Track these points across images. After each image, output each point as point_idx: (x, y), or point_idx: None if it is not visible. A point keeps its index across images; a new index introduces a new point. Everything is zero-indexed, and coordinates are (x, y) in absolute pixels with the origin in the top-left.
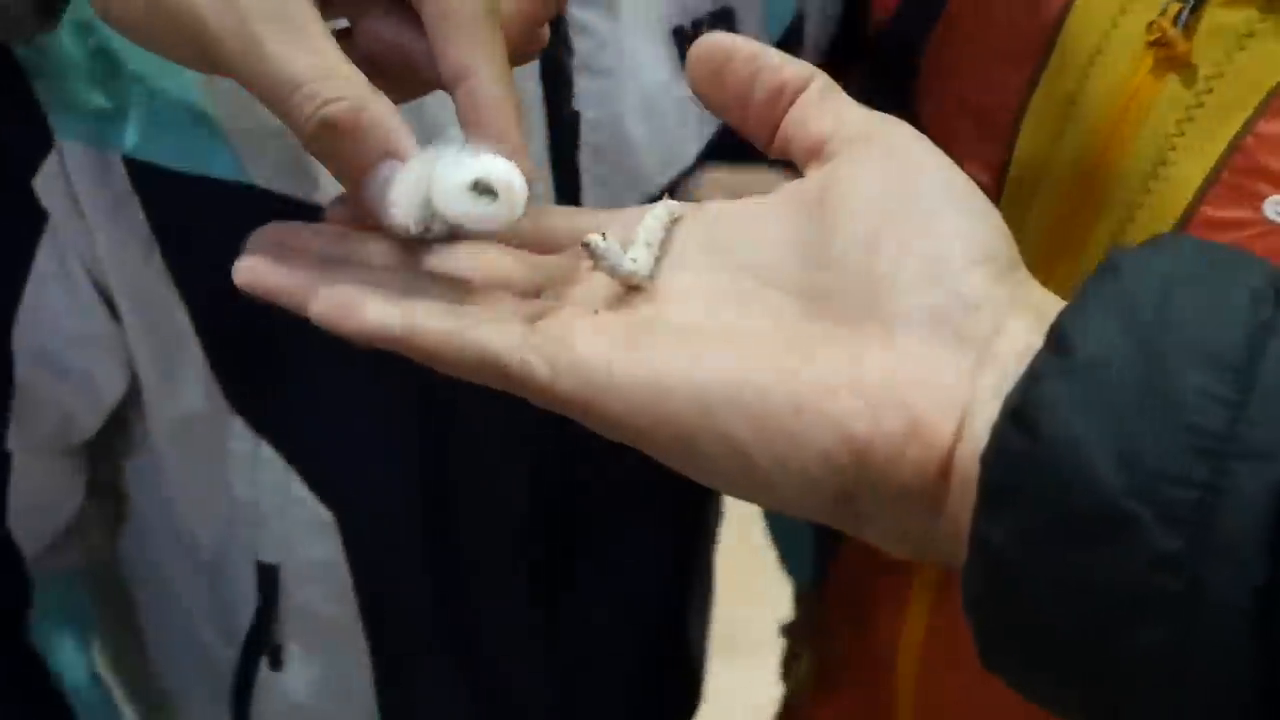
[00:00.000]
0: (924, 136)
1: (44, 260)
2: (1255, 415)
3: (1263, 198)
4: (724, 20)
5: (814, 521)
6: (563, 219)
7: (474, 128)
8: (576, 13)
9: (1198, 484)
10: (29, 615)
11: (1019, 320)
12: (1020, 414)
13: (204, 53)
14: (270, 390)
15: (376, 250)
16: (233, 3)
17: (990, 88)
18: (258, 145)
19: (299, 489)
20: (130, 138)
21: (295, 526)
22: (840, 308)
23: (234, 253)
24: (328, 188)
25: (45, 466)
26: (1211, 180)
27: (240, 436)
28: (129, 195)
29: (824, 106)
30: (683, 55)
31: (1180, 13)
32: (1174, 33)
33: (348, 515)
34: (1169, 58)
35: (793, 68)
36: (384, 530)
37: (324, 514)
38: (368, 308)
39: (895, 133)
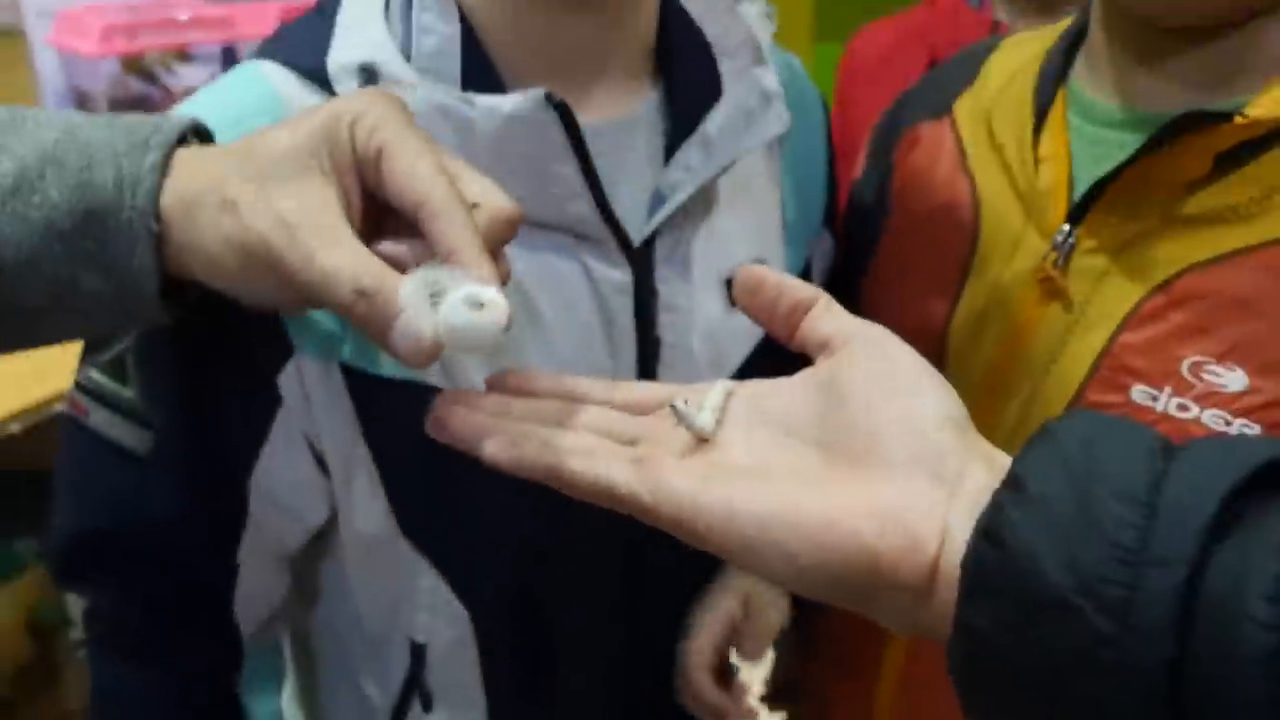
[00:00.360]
0: (895, 336)
1: (277, 431)
2: (1159, 534)
3: (1129, 387)
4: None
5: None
6: (649, 391)
7: (457, 262)
8: (662, 269)
9: (1122, 583)
10: (239, 674)
11: (977, 465)
12: (989, 532)
13: (274, 271)
14: (430, 522)
15: (523, 408)
16: (284, 221)
17: (920, 316)
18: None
19: (445, 592)
20: (347, 351)
21: (440, 618)
22: (850, 455)
23: (412, 428)
24: (463, 382)
25: (263, 571)
26: (1090, 375)
27: (406, 553)
28: (342, 391)
29: (828, 317)
30: (730, 300)
31: (1056, 259)
32: (1054, 272)
33: (479, 611)
34: (1051, 290)
35: (806, 290)
36: (504, 622)
37: (461, 611)
38: (526, 449)
39: (878, 334)
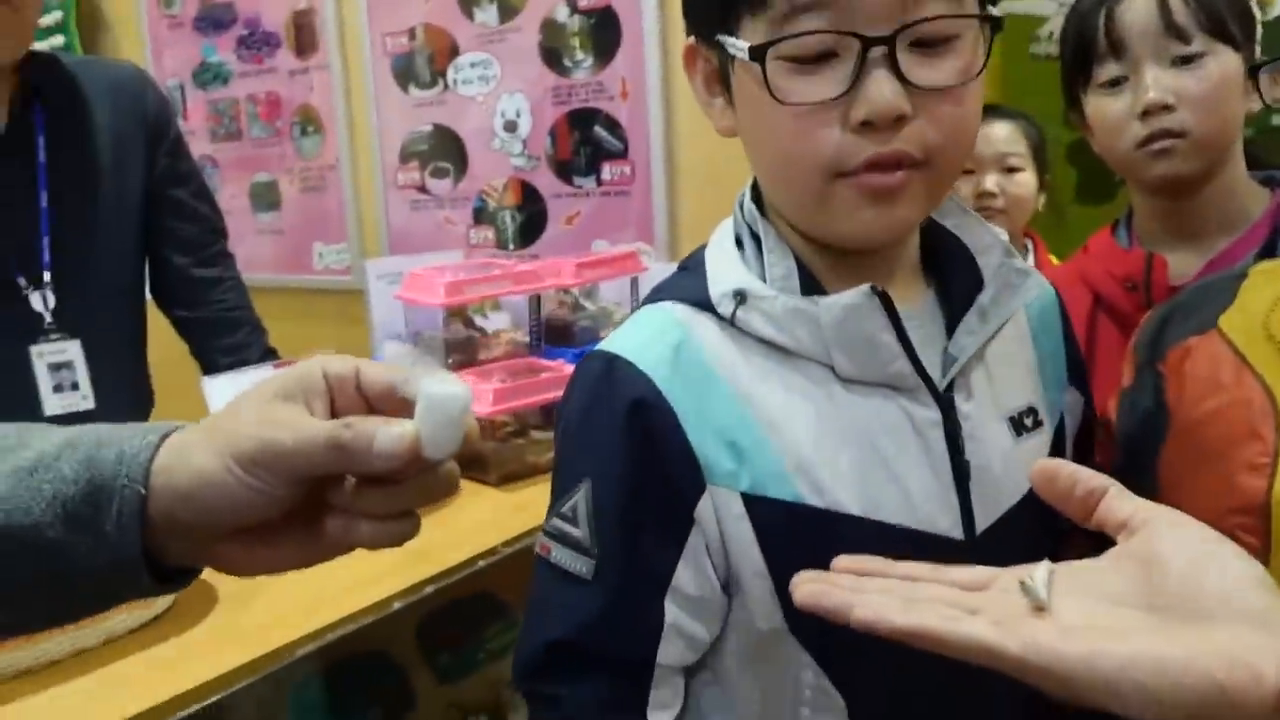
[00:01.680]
0: (1187, 515)
1: (688, 554)
2: None
3: None
4: (1032, 414)
5: None
6: (969, 573)
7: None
8: (961, 408)
9: None
10: None
11: None
12: None
13: (295, 473)
14: (817, 621)
15: (875, 584)
16: (279, 422)
17: (1240, 495)
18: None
19: (826, 684)
20: (745, 482)
21: (821, 710)
22: (1180, 616)
23: (799, 540)
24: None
25: (669, 680)
26: None
27: (792, 651)
28: (743, 514)
29: (1123, 500)
30: (1015, 431)
31: None
32: None
33: (854, 704)
34: None
35: (1098, 479)
36: (880, 710)
37: (840, 702)
38: (893, 615)
39: (1175, 515)
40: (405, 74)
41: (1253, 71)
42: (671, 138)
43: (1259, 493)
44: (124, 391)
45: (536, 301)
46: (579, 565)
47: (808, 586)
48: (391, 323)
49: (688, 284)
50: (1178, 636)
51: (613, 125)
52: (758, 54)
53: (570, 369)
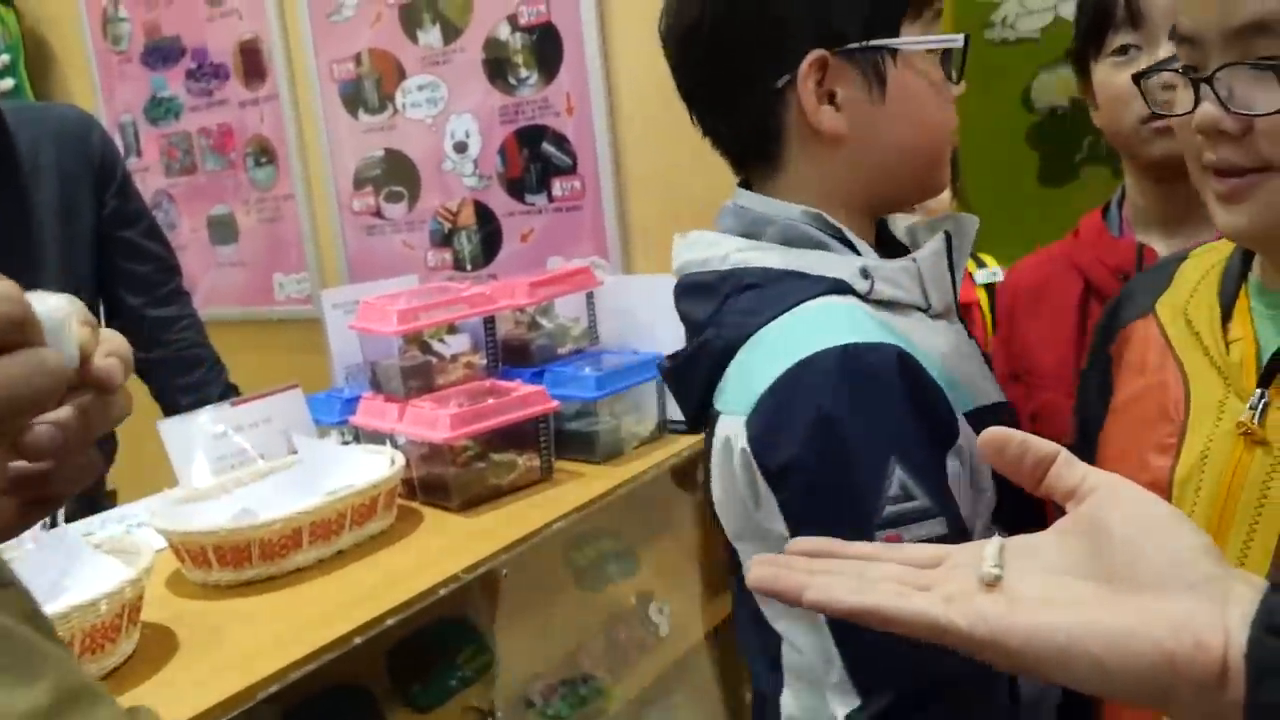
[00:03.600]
0: (1133, 483)
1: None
2: None
3: None
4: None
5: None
6: (923, 551)
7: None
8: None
9: None
10: None
11: (1238, 582)
12: (1269, 626)
13: None
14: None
15: (826, 566)
16: None
17: (1149, 472)
18: None
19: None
20: (963, 404)
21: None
22: (1127, 585)
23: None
24: None
25: None
26: None
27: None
28: (970, 432)
29: (1071, 469)
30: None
31: (1254, 416)
32: (1254, 426)
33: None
34: (1253, 440)
35: (1048, 446)
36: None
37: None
38: (843, 595)
39: (1120, 482)
40: (354, 100)
41: None
42: (619, 150)
43: (1163, 472)
44: None
45: (491, 324)
46: (936, 529)
47: (761, 569)
48: (349, 351)
49: (801, 285)
50: (1125, 606)
51: (560, 141)
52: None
53: (529, 389)
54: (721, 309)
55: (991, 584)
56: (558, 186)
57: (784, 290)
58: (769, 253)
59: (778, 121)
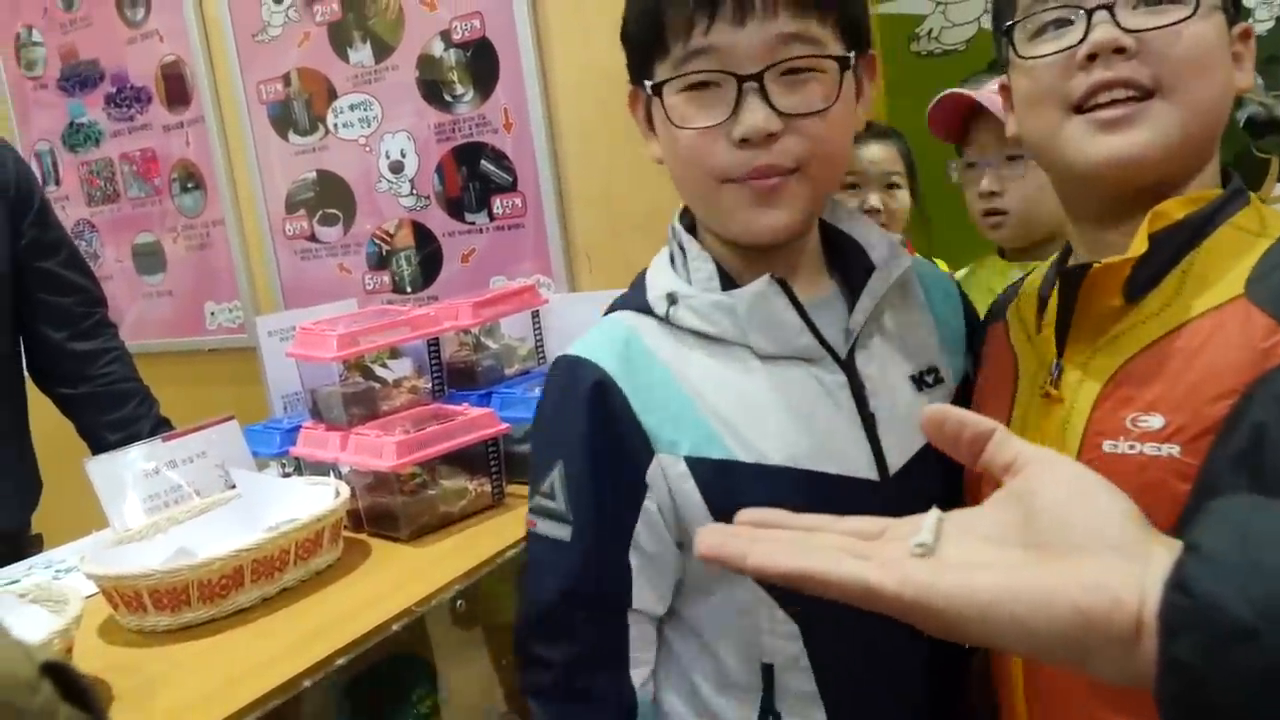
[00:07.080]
0: (1066, 458)
1: (644, 516)
2: None
3: (1100, 445)
4: (934, 372)
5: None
6: (865, 523)
7: None
8: (864, 370)
9: None
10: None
11: (1157, 546)
12: (1180, 586)
13: None
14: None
15: (770, 535)
16: None
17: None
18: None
19: (783, 617)
20: (686, 447)
21: (782, 641)
22: (1053, 550)
23: (735, 491)
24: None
25: (644, 631)
26: (1081, 443)
27: (744, 593)
28: (687, 475)
29: (1007, 444)
30: (917, 386)
31: (1052, 380)
32: (1051, 389)
33: (810, 631)
34: (1051, 399)
35: (985, 423)
36: (831, 639)
37: (796, 630)
38: (781, 559)
39: (1052, 456)
40: (283, 121)
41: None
42: (560, 166)
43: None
44: (5, 480)
45: (435, 346)
46: (560, 531)
47: (708, 539)
48: (287, 380)
49: (632, 295)
50: (1047, 569)
51: (500, 158)
52: (657, 90)
53: (477, 411)
54: None
55: (923, 553)
56: (498, 204)
57: (614, 302)
58: (652, 264)
59: None
